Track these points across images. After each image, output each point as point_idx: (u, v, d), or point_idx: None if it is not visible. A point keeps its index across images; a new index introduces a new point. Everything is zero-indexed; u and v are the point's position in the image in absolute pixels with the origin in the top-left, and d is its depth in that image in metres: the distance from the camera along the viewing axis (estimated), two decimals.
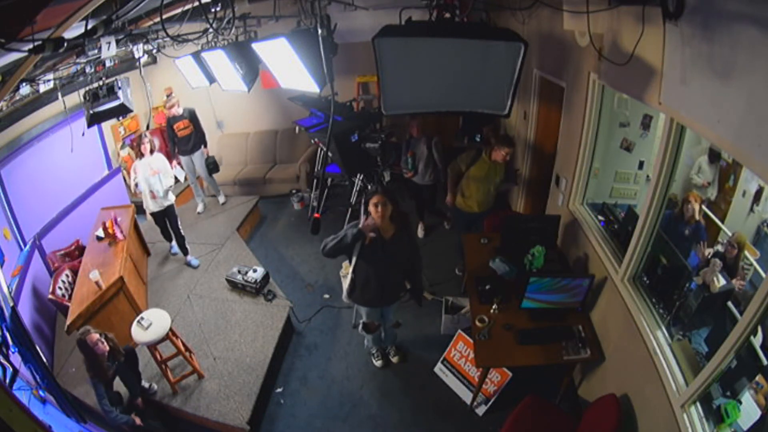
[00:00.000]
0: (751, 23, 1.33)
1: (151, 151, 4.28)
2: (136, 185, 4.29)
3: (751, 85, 1.39)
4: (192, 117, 5.30)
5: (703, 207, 2.31)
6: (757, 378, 1.59)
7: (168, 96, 6.50)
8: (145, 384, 3.19)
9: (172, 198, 4.47)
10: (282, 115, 6.46)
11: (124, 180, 5.80)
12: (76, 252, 4.34)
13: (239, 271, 4.12)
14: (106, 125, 5.43)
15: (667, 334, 2.16)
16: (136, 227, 4.61)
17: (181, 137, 5.30)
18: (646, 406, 2.20)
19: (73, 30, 1.72)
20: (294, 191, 6.03)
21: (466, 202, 3.76)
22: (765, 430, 1.53)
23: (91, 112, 3.54)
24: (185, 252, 4.74)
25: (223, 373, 3.28)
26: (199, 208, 5.72)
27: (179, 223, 4.61)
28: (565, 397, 2.95)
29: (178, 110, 5.19)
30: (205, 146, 5.52)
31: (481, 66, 1.68)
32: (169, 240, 4.87)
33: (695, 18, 1.60)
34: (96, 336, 2.67)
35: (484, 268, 3.27)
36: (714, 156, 2.46)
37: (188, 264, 4.70)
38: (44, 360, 2.88)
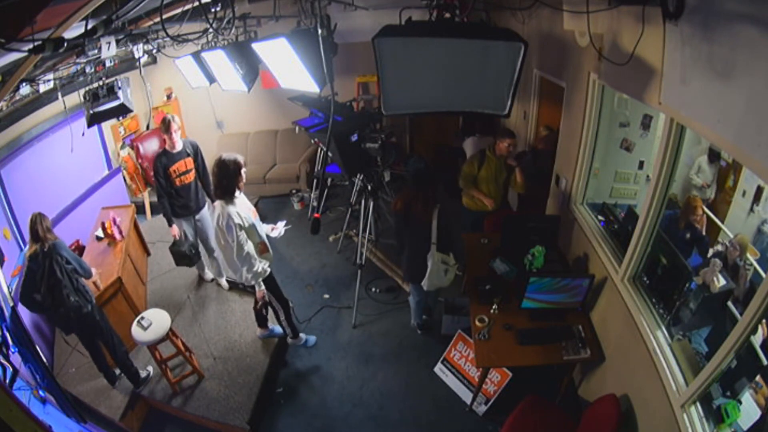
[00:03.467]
0: (751, 23, 1.33)
1: None
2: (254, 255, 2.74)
3: (751, 85, 1.39)
4: (196, 154, 3.66)
5: (703, 207, 2.31)
6: (757, 378, 1.59)
7: (168, 97, 6.51)
8: (143, 372, 3.24)
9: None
10: (282, 115, 6.46)
11: (124, 180, 5.81)
12: (76, 252, 4.34)
13: None
14: (106, 125, 5.43)
15: (667, 334, 2.16)
16: (136, 227, 4.60)
17: (182, 186, 3.58)
18: (646, 406, 2.20)
19: (73, 30, 1.72)
20: (294, 191, 6.03)
21: (475, 201, 3.78)
22: (765, 430, 1.53)
23: (91, 112, 3.55)
24: (295, 332, 3.52)
25: (223, 373, 3.28)
26: (224, 283, 4.19)
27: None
28: (565, 397, 2.95)
29: (178, 140, 3.49)
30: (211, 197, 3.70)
31: (481, 66, 1.67)
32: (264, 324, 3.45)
33: (695, 18, 1.60)
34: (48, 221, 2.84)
35: (484, 268, 3.27)
36: (714, 156, 2.46)
37: (304, 345, 3.62)
38: (44, 360, 2.88)
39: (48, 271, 2.74)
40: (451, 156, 5.77)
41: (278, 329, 3.56)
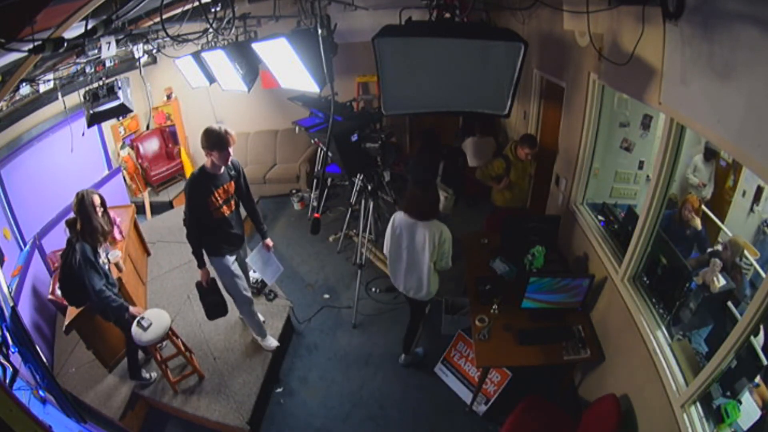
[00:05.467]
0: (751, 23, 1.33)
1: None
2: None
3: (751, 85, 1.39)
4: (239, 175, 2.95)
5: (702, 206, 2.31)
6: (757, 378, 1.60)
7: (168, 97, 6.50)
8: (146, 375, 3.23)
9: None
10: (282, 115, 6.47)
11: (124, 180, 5.81)
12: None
13: None
14: (106, 125, 5.44)
15: (667, 334, 2.16)
16: (136, 227, 4.60)
17: (222, 218, 2.79)
18: (646, 406, 2.20)
19: (73, 30, 1.72)
20: (294, 191, 6.03)
21: (505, 197, 3.90)
22: (765, 430, 1.53)
23: (91, 112, 3.55)
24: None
25: (223, 373, 3.28)
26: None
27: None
28: (565, 397, 2.95)
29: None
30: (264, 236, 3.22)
31: (481, 66, 1.67)
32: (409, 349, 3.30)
33: (695, 18, 1.60)
34: (99, 199, 2.68)
35: (484, 268, 3.27)
36: (709, 154, 2.46)
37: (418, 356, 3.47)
38: (44, 360, 2.88)
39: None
40: (451, 155, 5.77)
41: (420, 350, 3.52)
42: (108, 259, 3.07)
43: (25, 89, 3.74)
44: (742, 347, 1.61)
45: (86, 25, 1.80)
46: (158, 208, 6.04)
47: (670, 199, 2.28)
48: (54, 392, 2.65)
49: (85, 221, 2.59)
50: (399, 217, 2.79)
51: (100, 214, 2.68)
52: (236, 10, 2.48)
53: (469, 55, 1.66)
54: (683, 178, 2.59)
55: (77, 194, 2.65)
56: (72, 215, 2.67)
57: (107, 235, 2.76)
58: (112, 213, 4.30)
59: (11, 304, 2.85)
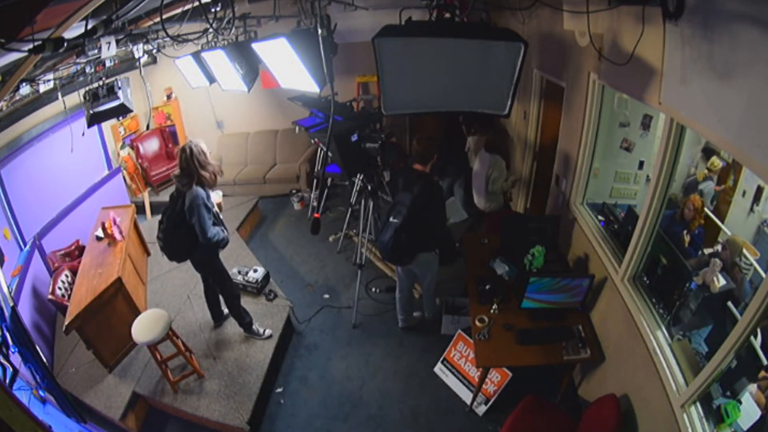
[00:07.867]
0: (751, 23, 1.33)
1: None
2: None
3: (751, 85, 1.39)
4: None
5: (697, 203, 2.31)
6: (760, 374, 1.59)
7: (168, 97, 6.50)
8: (260, 329, 3.55)
9: None
10: (282, 115, 6.47)
11: (124, 180, 5.81)
12: (76, 252, 4.34)
13: (239, 272, 4.11)
14: (106, 125, 5.44)
15: (667, 334, 2.16)
16: (136, 227, 4.60)
17: None
18: (646, 406, 2.20)
19: (73, 30, 1.72)
20: (294, 191, 6.03)
21: None
22: (765, 430, 1.53)
23: (91, 112, 3.55)
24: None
25: (223, 373, 3.28)
26: None
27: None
28: (565, 397, 2.95)
29: None
30: None
31: (481, 66, 1.67)
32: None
33: (695, 18, 1.60)
34: (204, 144, 2.85)
35: (484, 268, 3.27)
36: (708, 151, 2.46)
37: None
38: (44, 360, 2.88)
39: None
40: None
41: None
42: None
43: (25, 89, 3.74)
44: (742, 347, 1.61)
45: (86, 25, 1.80)
46: (158, 208, 6.02)
47: (671, 199, 2.28)
48: (54, 392, 2.66)
49: (201, 168, 2.79)
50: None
51: (209, 157, 2.86)
52: (236, 10, 2.48)
53: (469, 55, 1.65)
54: (680, 174, 2.58)
55: (184, 148, 2.78)
56: (178, 170, 2.83)
57: (219, 174, 2.99)
58: (111, 213, 4.32)
59: (11, 304, 2.85)
